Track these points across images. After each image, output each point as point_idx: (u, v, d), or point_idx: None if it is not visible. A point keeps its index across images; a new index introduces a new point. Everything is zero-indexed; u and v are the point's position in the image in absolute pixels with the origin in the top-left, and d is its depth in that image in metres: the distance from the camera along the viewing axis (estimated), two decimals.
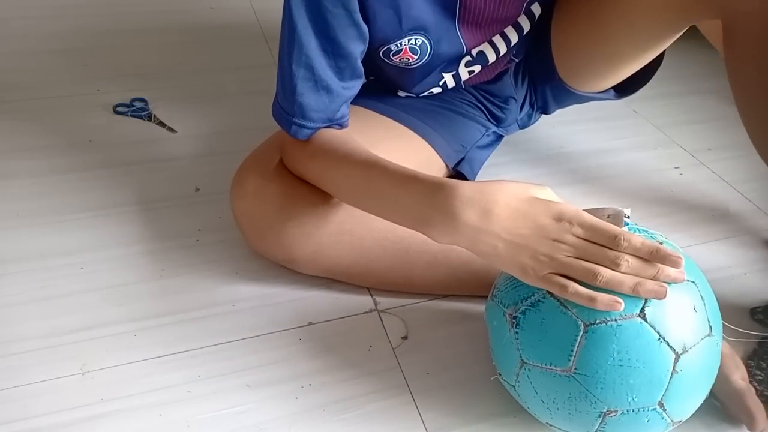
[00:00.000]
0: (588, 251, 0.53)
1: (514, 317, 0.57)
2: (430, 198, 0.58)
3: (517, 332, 0.56)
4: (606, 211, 0.56)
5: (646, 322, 0.52)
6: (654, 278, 0.52)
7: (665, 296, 0.51)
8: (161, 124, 1.06)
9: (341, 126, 0.72)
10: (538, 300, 0.55)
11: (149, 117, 1.07)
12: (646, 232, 0.58)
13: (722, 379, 0.61)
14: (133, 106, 1.09)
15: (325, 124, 0.70)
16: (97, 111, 1.08)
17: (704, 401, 0.57)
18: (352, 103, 0.73)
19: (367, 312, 0.76)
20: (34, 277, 0.77)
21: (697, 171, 1.06)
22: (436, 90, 0.85)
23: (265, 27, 1.39)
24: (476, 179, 0.91)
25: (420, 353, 0.71)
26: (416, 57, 0.75)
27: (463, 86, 0.88)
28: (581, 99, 0.94)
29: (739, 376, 0.63)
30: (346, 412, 0.65)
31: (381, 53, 0.74)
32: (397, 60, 0.75)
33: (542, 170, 1.02)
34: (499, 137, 0.98)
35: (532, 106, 0.96)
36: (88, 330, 0.71)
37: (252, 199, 0.72)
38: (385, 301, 0.77)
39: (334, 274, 0.77)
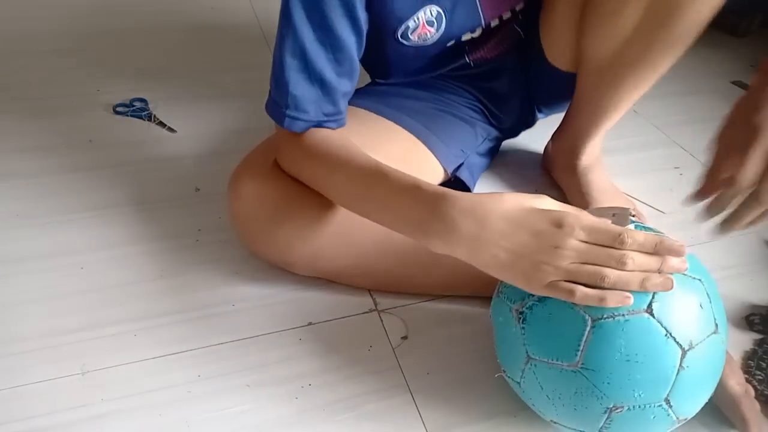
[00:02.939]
0: (592, 254, 0.52)
1: (521, 312, 0.56)
2: (431, 208, 0.57)
3: (523, 327, 0.56)
4: (611, 210, 0.56)
5: (654, 317, 0.52)
6: (659, 270, 0.52)
7: (672, 287, 0.51)
8: (161, 124, 1.06)
9: (338, 124, 0.71)
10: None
11: (149, 117, 1.07)
12: (650, 230, 0.58)
13: (719, 383, 0.61)
14: (133, 106, 1.09)
15: (319, 119, 0.69)
16: (97, 111, 1.08)
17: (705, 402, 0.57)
18: (353, 105, 0.73)
19: (367, 312, 0.76)
20: (34, 277, 0.77)
21: (697, 171, 1.05)
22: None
23: (265, 27, 1.39)
24: (477, 187, 0.91)
25: (420, 353, 0.71)
26: (433, 30, 0.75)
27: (468, 59, 0.87)
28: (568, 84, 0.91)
29: (735, 381, 0.64)
30: (346, 412, 0.65)
31: (399, 36, 0.74)
32: (415, 38, 0.75)
33: (542, 171, 1.02)
34: (498, 145, 0.97)
35: (530, 102, 0.96)
36: (88, 330, 0.71)
37: (247, 202, 0.70)
38: (385, 301, 0.77)
39: (333, 276, 0.77)
